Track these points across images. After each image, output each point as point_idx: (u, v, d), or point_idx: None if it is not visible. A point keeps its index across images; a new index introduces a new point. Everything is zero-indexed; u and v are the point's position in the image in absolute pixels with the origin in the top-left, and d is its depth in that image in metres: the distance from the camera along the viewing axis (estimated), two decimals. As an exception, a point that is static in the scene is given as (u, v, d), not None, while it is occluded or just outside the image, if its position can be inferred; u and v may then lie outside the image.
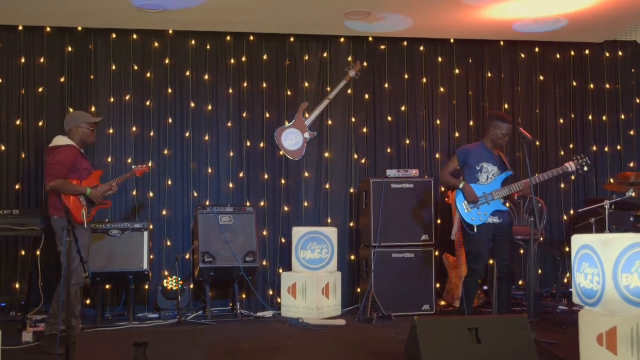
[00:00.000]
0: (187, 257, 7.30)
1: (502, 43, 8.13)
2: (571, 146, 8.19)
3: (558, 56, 8.24)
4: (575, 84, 8.25)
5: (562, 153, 8.13)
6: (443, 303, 7.37)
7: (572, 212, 8.06)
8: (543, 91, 8.22)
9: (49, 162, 5.66)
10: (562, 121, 8.21)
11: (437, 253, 7.36)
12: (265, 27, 7.51)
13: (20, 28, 7.26)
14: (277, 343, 5.74)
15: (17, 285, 7.01)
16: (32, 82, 7.28)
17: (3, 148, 7.16)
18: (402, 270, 7.07)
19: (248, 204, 7.46)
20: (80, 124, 5.81)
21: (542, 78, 8.21)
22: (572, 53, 8.26)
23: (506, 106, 8.12)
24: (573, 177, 7.91)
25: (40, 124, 7.22)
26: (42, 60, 7.30)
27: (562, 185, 8.12)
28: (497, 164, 6.03)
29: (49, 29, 7.32)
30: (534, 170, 7.42)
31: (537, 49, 8.20)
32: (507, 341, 4.17)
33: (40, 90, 7.28)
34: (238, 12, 6.85)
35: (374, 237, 7.00)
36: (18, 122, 7.21)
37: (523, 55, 8.19)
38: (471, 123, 8.04)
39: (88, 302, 7.04)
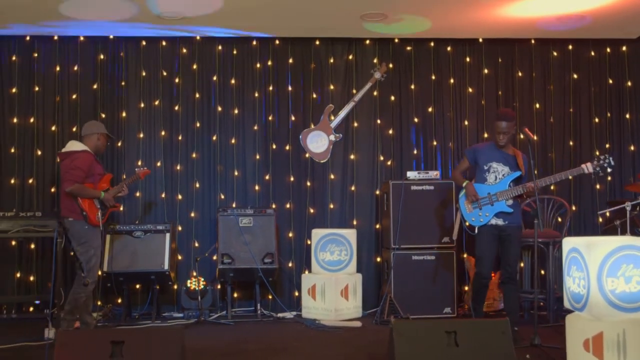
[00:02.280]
0: (214, 257, 7.43)
1: (532, 41, 7.96)
2: (607, 145, 7.94)
3: (593, 53, 8.00)
4: (611, 81, 8.00)
5: (597, 153, 7.87)
6: (466, 306, 7.27)
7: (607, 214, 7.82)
8: (577, 90, 8.00)
9: (66, 166, 5.93)
10: (597, 120, 7.97)
11: (465, 255, 7.31)
12: (290, 31, 7.60)
13: (55, 38, 7.59)
14: (284, 344, 5.81)
15: (50, 284, 7.34)
16: (66, 89, 7.59)
17: (39, 153, 7.49)
18: (422, 272, 7.02)
19: (273, 206, 7.56)
20: (101, 133, 6.16)
21: (575, 76, 7.99)
22: (608, 50, 8.00)
23: (537, 105, 7.95)
24: (608, 177, 7.65)
25: (74, 129, 7.51)
26: (75, 68, 7.61)
27: (598, 186, 7.88)
28: (508, 163, 5.87)
29: (82, 38, 7.62)
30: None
31: (570, 47, 7.99)
32: (486, 345, 4.11)
33: (74, 96, 7.59)
34: (250, 17, 6.97)
35: (393, 239, 6.99)
36: (53, 128, 7.53)
37: (555, 54, 7.99)
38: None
39: (119, 300, 7.29)
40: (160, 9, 6.62)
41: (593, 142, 7.95)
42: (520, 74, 7.97)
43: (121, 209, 7.20)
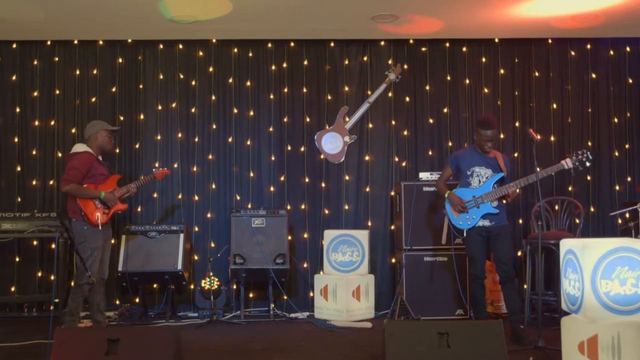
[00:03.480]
0: (229, 258, 7.50)
1: (550, 41, 7.88)
2: (627, 146, 7.84)
3: (612, 52, 7.89)
4: (631, 80, 7.88)
5: (617, 154, 7.79)
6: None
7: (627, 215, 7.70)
8: (595, 89, 7.90)
9: (66, 167, 6.04)
10: (616, 120, 7.86)
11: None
12: (305, 33, 7.65)
13: (76, 42, 7.76)
14: (289, 343, 5.86)
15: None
16: (85, 92, 7.75)
17: (60, 155, 7.66)
18: (434, 273, 7.00)
19: (288, 207, 7.63)
20: (99, 131, 6.11)
21: (594, 76, 7.89)
22: (628, 49, 7.89)
23: (554, 105, 7.87)
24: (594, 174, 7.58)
25: (93, 131, 7.67)
26: (95, 72, 7.77)
27: (617, 188, 7.77)
28: (491, 166, 5.99)
29: (101, 42, 7.78)
30: (585, 172, 7.25)
31: (588, 46, 7.90)
32: (478, 346, 4.10)
33: (93, 99, 7.75)
34: (261, 20, 7.03)
35: (404, 240, 6.99)
36: (73, 130, 7.69)
37: (573, 53, 7.91)
38: (517, 124, 7.83)
39: (137, 300, 7.42)
40: (173, 13, 6.72)
41: (612, 142, 7.85)
42: (537, 73, 7.90)
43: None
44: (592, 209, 7.76)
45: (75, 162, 5.96)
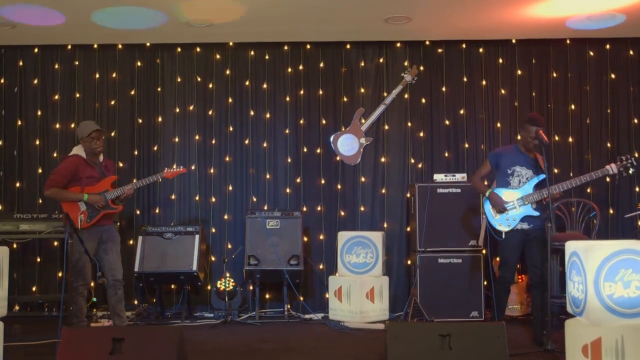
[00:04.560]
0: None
1: (568, 41, 7.81)
2: (647, 147, 7.75)
3: (632, 52, 7.80)
4: (651, 80, 7.80)
5: (637, 155, 7.68)
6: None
7: (647, 217, 7.61)
8: (614, 90, 7.81)
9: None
10: (636, 121, 7.76)
11: (497, 258, 7.21)
12: (321, 36, 7.68)
13: (95, 46, 7.89)
14: (299, 344, 5.89)
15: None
16: (105, 95, 7.88)
17: (80, 157, 7.79)
18: (449, 275, 6.98)
19: (304, 209, 7.67)
20: (82, 137, 6.02)
21: (613, 76, 7.80)
22: (648, 48, 7.81)
23: (573, 107, 7.80)
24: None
25: (113, 134, 7.79)
26: (114, 75, 7.89)
27: (637, 189, 7.67)
28: (532, 167, 5.80)
29: (120, 46, 7.90)
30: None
31: (607, 46, 7.81)
32: (480, 349, 4.08)
33: (113, 102, 7.87)
34: (275, 23, 7.10)
35: (418, 242, 6.98)
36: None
37: (592, 53, 7.83)
38: (539, 126, 7.77)
39: (154, 300, 7.51)
40: (187, 18, 6.80)
41: (632, 143, 7.75)
42: (555, 74, 7.84)
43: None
44: (611, 211, 7.67)
45: (59, 166, 6.05)
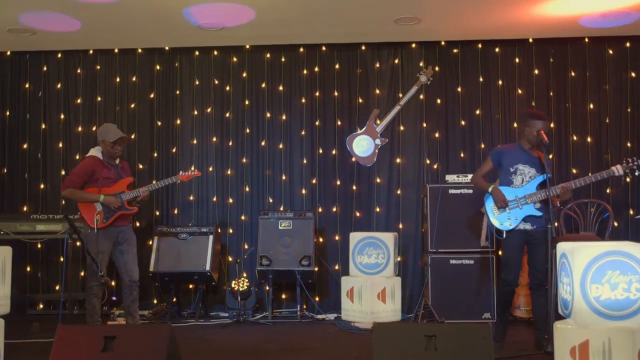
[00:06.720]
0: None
1: (586, 40, 7.70)
2: (668, 146, 7.59)
3: (653, 50, 7.67)
4: (673, 79, 7.63)
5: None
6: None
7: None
8: (635, 88, 7.67)
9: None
10: (657, 120, 7.63)
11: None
12: (336, 38, 7.73)
13: (116, 50, 8.07)
14: (306, 344, 5.95)
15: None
16: (125, 98, 8.06)
17: (101, 159, 7.98)
18: (460, 276, 6.95)
19: (320, 210, 7.74)
20: (103, 140, 6.17)
21: (633, 74, 7.66)
22: (670, 46, 7.65)
23: (591, 106, 7.68)
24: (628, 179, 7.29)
25: (132, 136, 7.96)
26: (134, 79, 8.07)
27: (658, 190, 7.55)
28: (535, 165, 5.68)
29: (140, 50, 8.07)
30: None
31: (627, 44, 7.67)
32: (466, 350, 4.06)
33: (132, 106, 8.05)
34: (286, 26, 7.16)
35: (430, 243, 6.97)
36: (113, 136, 8.01)
37: (611, 52, 7.70)
38: (552, 125, 7.67)
39: (174, 299, 7.65)
40: (200, 22, 6.92)
41: (654, 143, 7.62)
42: (573, 73, 7.73)
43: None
44: (631, 212, 7.53)
45: (76, 167, 6.21)
